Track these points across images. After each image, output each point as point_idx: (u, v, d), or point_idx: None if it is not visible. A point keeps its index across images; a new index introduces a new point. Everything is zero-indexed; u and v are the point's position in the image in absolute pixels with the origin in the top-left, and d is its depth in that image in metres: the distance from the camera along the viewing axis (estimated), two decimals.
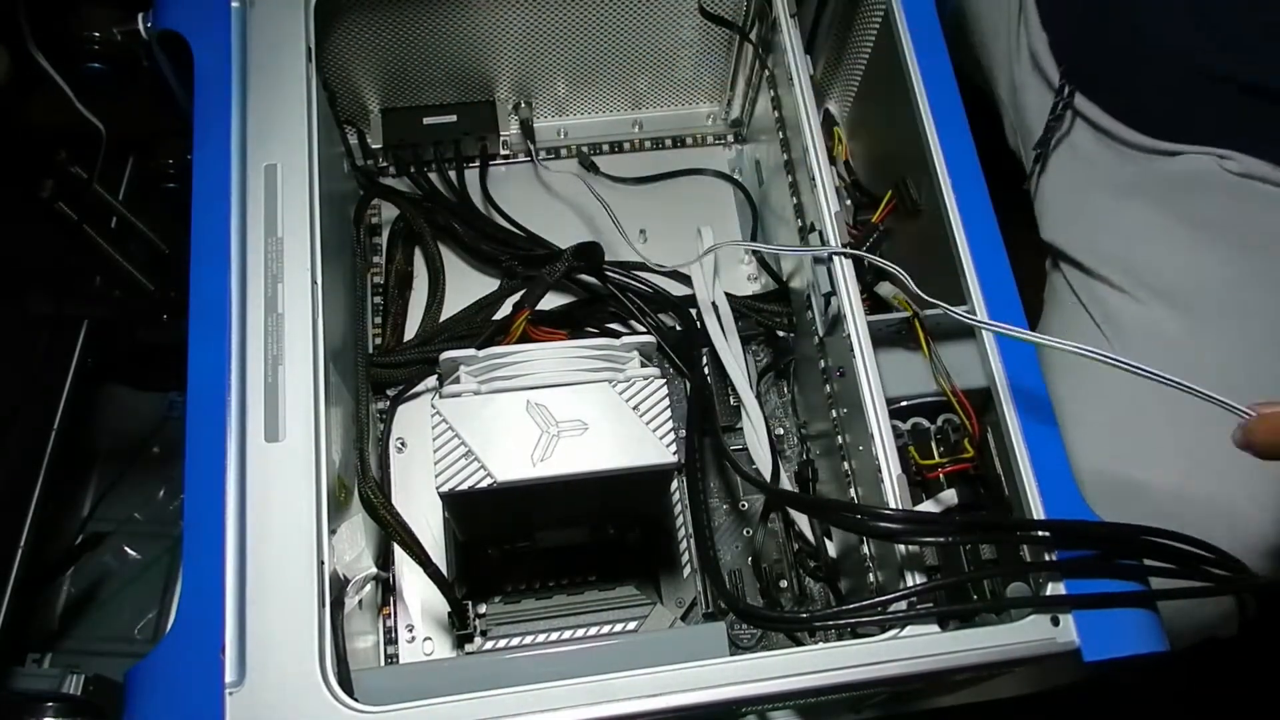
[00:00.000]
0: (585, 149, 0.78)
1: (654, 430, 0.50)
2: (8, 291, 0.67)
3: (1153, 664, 0.48)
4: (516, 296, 0.67)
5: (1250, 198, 0.63)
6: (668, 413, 0.51)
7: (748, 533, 0.66)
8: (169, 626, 0.45)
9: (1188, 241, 0.65)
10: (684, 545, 0.64)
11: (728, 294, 0.70)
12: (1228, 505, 0.61)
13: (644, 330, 0.69)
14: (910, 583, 0.50)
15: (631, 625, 0.61)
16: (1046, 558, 0.48)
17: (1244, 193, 0.63)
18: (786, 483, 0.65)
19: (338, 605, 0.48)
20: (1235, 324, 0.63)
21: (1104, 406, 0.64)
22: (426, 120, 0.74)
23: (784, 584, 0.64)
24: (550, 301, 0.68)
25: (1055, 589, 0.47)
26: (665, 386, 0.52)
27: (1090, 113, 0.69)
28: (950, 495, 0.54)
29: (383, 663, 0.60)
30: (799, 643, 0.60)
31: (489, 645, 0.60)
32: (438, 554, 0.61)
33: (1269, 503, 0.68)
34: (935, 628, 0.47)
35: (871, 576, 0.56)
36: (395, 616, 0.61)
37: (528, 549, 0.61)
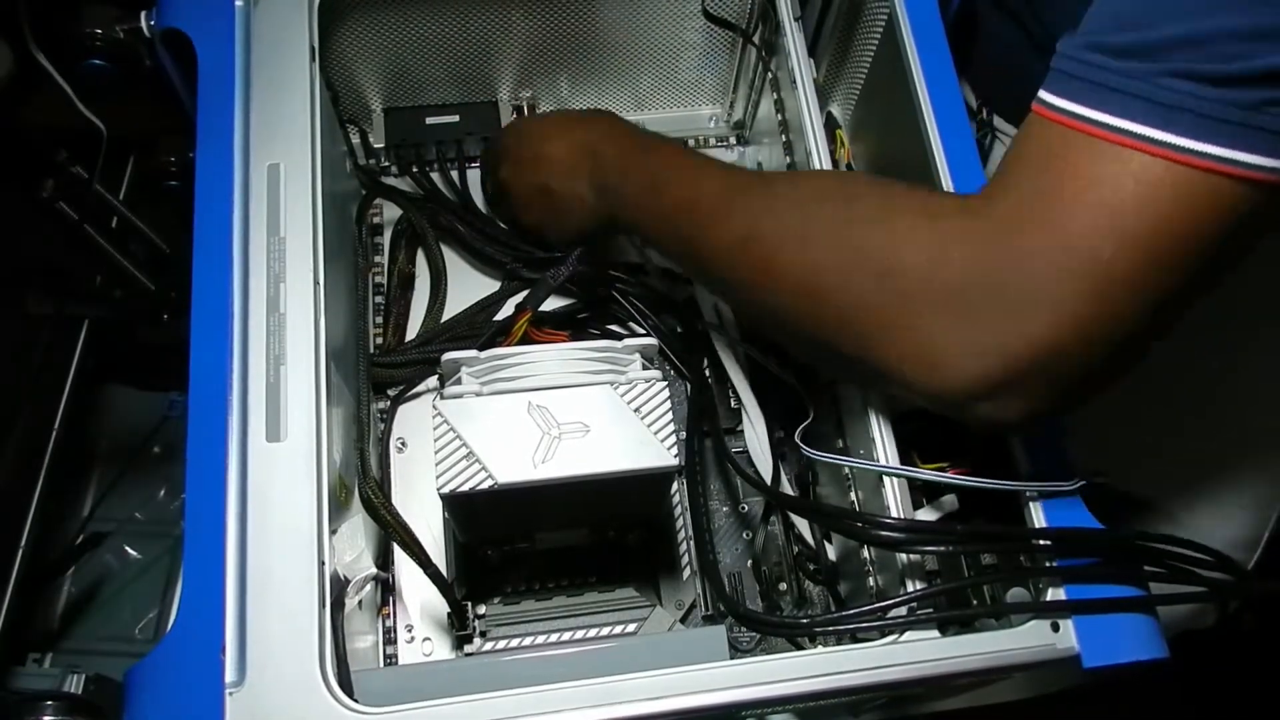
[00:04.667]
0: None
1: (655, 433, 0.50)
2: (8, 291, 0.67)
3: (1152, 667, 0.48)
4: (519, 297, 0.67)
5: None
6: (669, 415, 0.51)
7: (748, 535, 0.66)
8: (169, 626, 0.45)
9: None
10: (684, 547, 0.64)
11: None
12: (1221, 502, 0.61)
13: (645, 332, 0.69)
14: (910, 587, 0.50)
15: (631, 627, 0.61)
16: (1047, 563, 0.48)
17: None
18: (787, 485, 0.65)
19: (338, 606, 0.48)
20: None
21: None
22: (429, 120, 0.73)
23: (783, 587, 0.64)
24: (552, 303, 0.67)
25: (1055, 594, 0.47)
26: (667, 389, 0.52)
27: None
28: (951, 500, 0.54)
29: (382, 663, 0.59)
30: (799, 647, 0.59)
31: (488, 646, 0.60)
32: (438, 554, 0.61)
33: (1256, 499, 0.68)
34: (935, 633, 0.47)
35: (871, 580, 0.56)
36: (394, 617, 0.61)
37: (527, 550, 0.61)
